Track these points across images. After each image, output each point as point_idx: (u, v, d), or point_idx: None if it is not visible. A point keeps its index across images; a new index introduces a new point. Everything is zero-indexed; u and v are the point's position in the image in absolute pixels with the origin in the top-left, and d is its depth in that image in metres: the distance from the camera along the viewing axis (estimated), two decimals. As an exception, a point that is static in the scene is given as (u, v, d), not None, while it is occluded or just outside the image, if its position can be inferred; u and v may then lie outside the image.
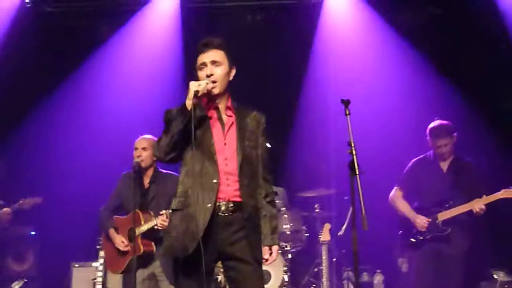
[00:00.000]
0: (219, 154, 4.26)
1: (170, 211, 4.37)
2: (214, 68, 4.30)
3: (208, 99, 4.35)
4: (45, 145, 8.92)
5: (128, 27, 9.20)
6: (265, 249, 4.41)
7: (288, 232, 7.97)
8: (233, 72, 4.42)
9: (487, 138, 7.92)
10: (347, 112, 4.53)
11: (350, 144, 4.45)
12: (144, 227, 6.17)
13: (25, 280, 8.53)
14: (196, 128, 4.19)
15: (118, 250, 6.39)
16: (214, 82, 4.26)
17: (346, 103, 4.55)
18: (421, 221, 6.65)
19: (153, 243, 6.19)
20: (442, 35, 8.59)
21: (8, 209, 7.65)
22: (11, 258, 8.63)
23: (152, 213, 6.23)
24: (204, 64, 4.32)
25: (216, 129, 4.32)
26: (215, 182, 4.20)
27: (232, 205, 4.23)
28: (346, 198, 7.44)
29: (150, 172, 6.46)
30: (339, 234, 7.93)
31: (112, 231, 6.45)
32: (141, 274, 6.28)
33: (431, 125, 6.83)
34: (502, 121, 8.23)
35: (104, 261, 6.82)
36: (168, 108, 4.35)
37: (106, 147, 8.53)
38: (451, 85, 8.26)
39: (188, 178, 4.24)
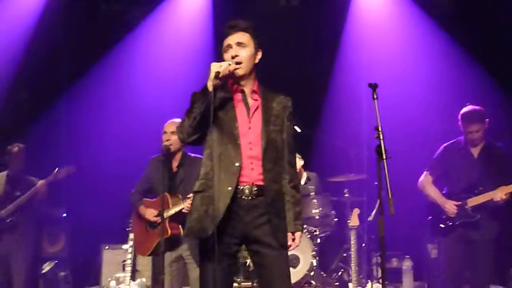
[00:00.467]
0: (243, 138, 4.25)
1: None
2: (240, 49, 4.29)
3: (233, 81, 4.34)
4: (76, 128, 9.02)
5: (159, 12, 9.26)
6: (289, 235, 4.39)
7: (317, 217, 7.95)
8: (259, 55, 4.40)
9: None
10: (375, 96, 4.49)
11: (377, 129, 4.42)
12: (172, 211, 6.21)
13: (56, 261, 8.66)
14: (218, 109, 4.20)
15: (147, 232, 6.44)
16: (238, 63, 4.25)
17: (373, 87, 4.50)
18: (451, 207, 6.58)
19: (180, 226, 6.21)
20: (473, 18, 8.48)
21: (43, 180, 7.70)
22: (44, 240, 8.74)
23: (180, 197, 6.26)
24: (230, 46, 4.32)
25: (240, 112, 4.31)
26: (237, 166, 4.19)
27: (255, 189, 4.22)
28: (376, 183, 7.39)
29: (178, 156, 6.47)
30: (369, 219, 7.89)
31: (142, 207, 6.50)
32: (169, 256, 6.32)
33: (463, 110, 6.72)
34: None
35: (133, 243, 6.88)
36: (195, 91, 4.34)
37: (137, 130, 8.59)
38: (482, 70, 8.16)
39: (210, 161, 4.25)
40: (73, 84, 9.14)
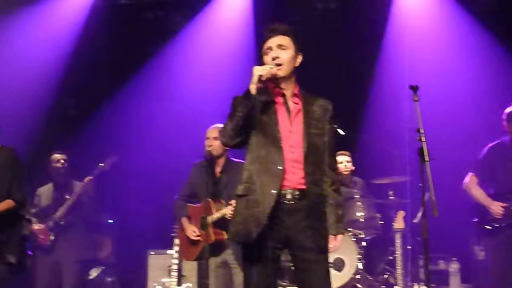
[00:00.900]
0: (285, 141, 4.25)
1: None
2: (280, 51, 4.31)
3: (274, 85, 4.35)
4: (119, 135, 9.10)
5: (200, 17, 9.32)
6: (330, 238, 4.38)
7: (362, 220, 7.89)
8: (300, 58, 4.40)
9: None
10: (416, 99, 4.48)
11: (419, 131, 4.40)
12: (215, 216, 6.21)
13: (103, 267, 8.75)
14: (260, 113, 4.22)
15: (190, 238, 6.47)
16: (279, 65, 4.27)
17: (414, 89, 4.50)
18: (497, 208, 6.50)
19: (224, 232, 6.22)
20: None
21: (90, 177, 7.84)
22: (91, 246, 8.85)
23: (223, 202, 6.27)
24: (270, 48, 4.34)
25: (282, 116, 4.31)
26: (280, 169, 4.19)
27: (297, 193, 4.22)
28: (420, 185, 7.33)
29: (221, 161, 6.49)
30: (414, 221, 7.84)
31: (184, 220, 6.53)
32: (214, 262, 6.35)
33: (508, 109, 6.64)
34: None
35: (179, 248, 6.92)
36: (236, 95, 4.36)
37: (179, 136, 8.64)
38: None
39: (253, 164, 4.27)
40: (115, 90, 9.24)
